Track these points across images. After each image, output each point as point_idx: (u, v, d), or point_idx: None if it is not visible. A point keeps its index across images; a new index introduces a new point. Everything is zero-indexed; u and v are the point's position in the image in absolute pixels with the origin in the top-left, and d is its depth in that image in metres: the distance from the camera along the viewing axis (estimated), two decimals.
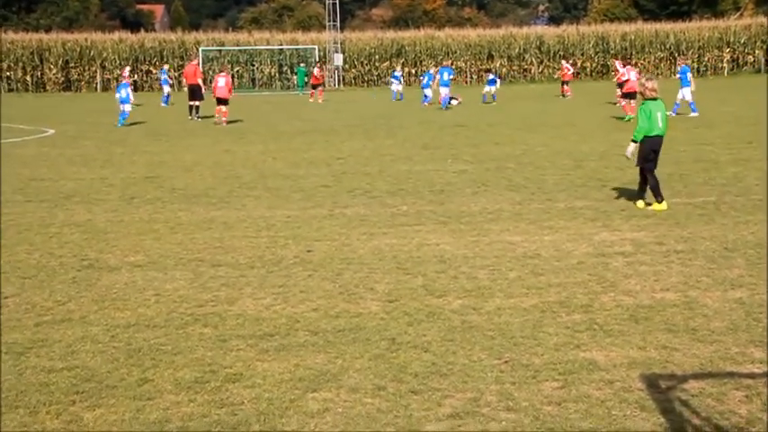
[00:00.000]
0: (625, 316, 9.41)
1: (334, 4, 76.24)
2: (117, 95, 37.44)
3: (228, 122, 36.41)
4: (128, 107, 36.86)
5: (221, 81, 36.82)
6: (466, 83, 75.37)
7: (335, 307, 9.93)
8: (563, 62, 57.25)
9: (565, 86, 51.78)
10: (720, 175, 19.28)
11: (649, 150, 15.67)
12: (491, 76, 49.72)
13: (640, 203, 15.71)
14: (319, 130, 33.63)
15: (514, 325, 9.15)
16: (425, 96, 47.82)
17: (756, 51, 78.71)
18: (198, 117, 39.20)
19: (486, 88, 48.17)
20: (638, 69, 37.02)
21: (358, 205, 16.67)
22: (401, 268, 11.70)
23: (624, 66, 39.09)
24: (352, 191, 18.37)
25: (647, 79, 16.43)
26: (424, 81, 49.47)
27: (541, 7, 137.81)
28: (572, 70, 50.76)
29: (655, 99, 15.70)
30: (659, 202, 15.46)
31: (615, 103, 40.01)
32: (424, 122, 35.89)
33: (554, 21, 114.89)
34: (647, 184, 15.71)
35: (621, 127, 31.61)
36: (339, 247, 13.09)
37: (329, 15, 77.03)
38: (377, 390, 7.41)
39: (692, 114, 34.76)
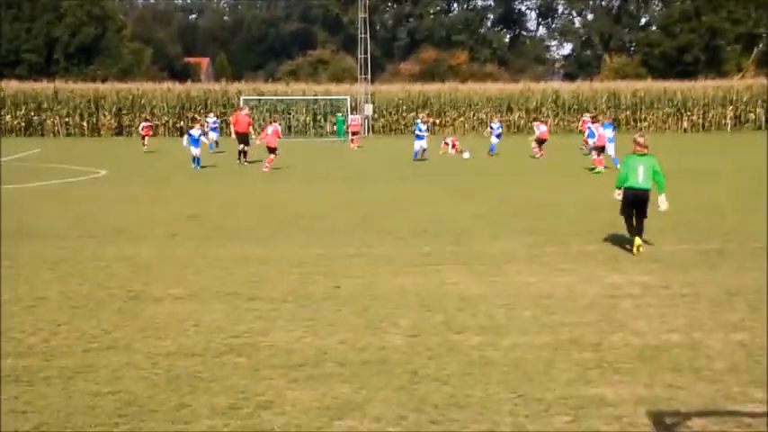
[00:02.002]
0: (633, 355, 9.34)
1: (365, 58, 76.69)
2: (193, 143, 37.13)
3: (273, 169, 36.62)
4: (197, 151, 36.83)
5: (270, 130, 36.81)
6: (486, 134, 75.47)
7: (361, 340, 9.91)
8: (585, 115, 52.79)
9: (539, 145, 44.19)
10: (723, 223, 19.17)
11: (627, 200, 15.69)
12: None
13: (637, 243, 15.44)
14: (351, 175, 33.75)
15: (529, 361, 9.09)
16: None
17: (758, 110, 78.55)
18: (246, 162, 39.13)
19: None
20: (599, 123, 36.35)
21: (384, 245, 16.65)
22: (423, 305, 11.66)
23: (593, 122, 38.01)
24: (379, 231, 18.36)
25: (638, 135, 16.34)
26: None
27: (558, 64, 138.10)
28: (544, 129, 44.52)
29: (643, 154, 15.60)
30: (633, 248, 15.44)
31: (586, 154, 40.21)
32: (447, 170, 35.87)
33: (569, 77, 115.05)
34: (639, 227, 15.67)
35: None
36: (366, 284, 13.06)
37: (361, 69, 77.45)
38: (399, 419, 7.37)
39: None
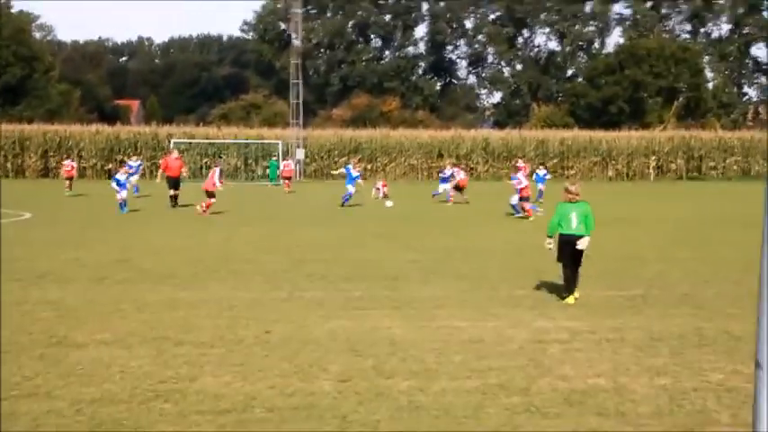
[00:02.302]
0: (560, 399, 9.36)
1: (297, 103, 76.91)
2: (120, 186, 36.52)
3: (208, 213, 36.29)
4: (124, 193, 36.27)
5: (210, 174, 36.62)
6: (418, 179, 75.98)
7: (291, 385, 9.80)
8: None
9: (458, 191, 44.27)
10: (647, 270, 19.42)
11: (561, 247, 15.50)
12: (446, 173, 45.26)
13: (570, 299, 15.33)
14: (283, 219, 33.62)
15: (458, 406, 9.07)
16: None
17: (678, 160, 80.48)
18: (177, 205, 38.55)
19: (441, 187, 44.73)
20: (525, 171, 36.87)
21: (315, 289, 16.56)
22: (353, 350, 11.59)
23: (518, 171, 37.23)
24: (311, 275, 18.28)
25: (569, 183, 16.30)
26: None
27: (487, 112, 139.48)
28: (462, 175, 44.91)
29: (575, 202, 15.42)
30: (565, 297, 15.41)
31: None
32: (378, 215, 35.90)
33: (499, 125, 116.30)
34: (575, 278, 15.54)
35: None
36: (296, 328, 12.95)
37: (293, 114, 77.58)
38: None
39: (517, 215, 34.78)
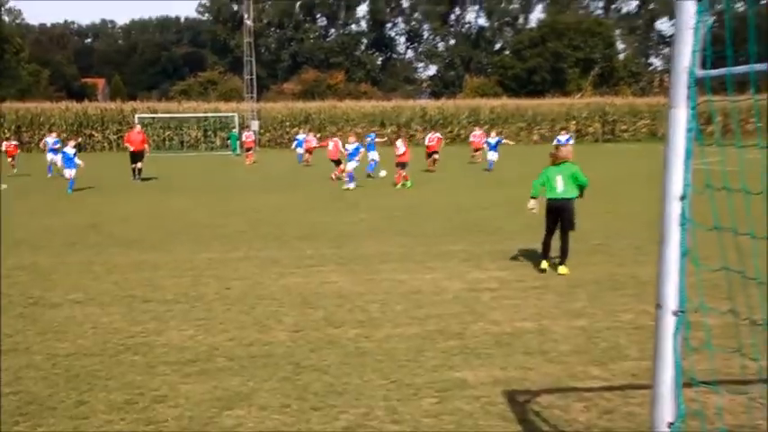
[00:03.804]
0: (491, 342, 9.49)
1: (251, 79, 76.27)
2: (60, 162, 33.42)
3: (148, 179, 35.71)
4: (72, 172, 32.02)
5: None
6: (363, 145, 75.81)
7: (249, 337, 9.82)
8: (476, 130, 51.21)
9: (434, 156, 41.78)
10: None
11: (549, 212, 13.93)
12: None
13: (544, 264, 13.95)
14: (238, 186, 33.39)
15: (400, 350, 9.16)
16: (299, 155, 48.25)
17: (595, 124, 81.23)
18: (140, 179, 37.02)
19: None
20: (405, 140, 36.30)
21: (271, 249, 16.54)
22: (305, 303, 11.63)
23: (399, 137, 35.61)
24: (265, 236, 18.25)
25: (555, 147, 15.12)
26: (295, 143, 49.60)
27: (425, 84, 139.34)
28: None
29: (560, 164, 13.91)
30: (540, 262, 14.01)
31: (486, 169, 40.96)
32: (327, 180, 35.79)
33: (435, 95, 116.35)
34: (565, 246, 13.87)
35: (498, 182, 32.11)
36: (253, 285, 12.95)
37: (247, 88, 76.98)
38: (283, 407, 7.34)
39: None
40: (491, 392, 7.66)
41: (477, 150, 47.21)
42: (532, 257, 15.10)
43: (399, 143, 31.91)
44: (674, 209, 4.36)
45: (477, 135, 47.92)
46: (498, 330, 10.01)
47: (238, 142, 61.80)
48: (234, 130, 67.71)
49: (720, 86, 4.26)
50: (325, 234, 18.53)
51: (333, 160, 35.65)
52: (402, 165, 30.96)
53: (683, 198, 4.34)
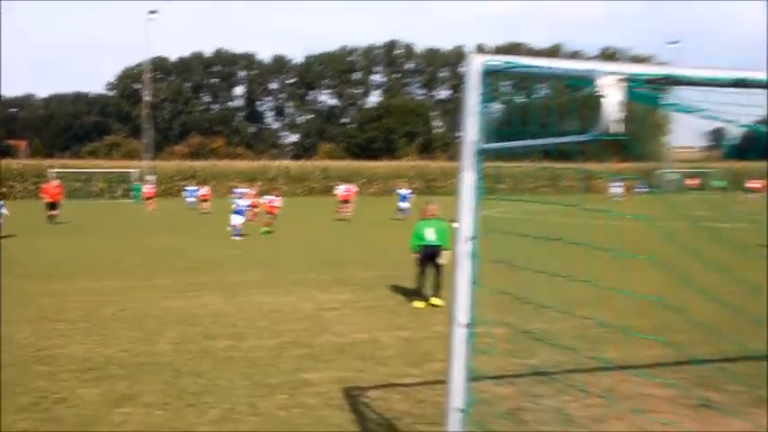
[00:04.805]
0: (333, 350, 9.50)
1: (147, 142, 74.37)
2: None
3: (61, 223, 34.02)
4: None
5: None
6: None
7: (138, 348, 9.49)
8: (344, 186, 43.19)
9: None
10: (398, 256, 19.81)
11: (423, 256, 12.97)
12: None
13: (419, 303, 12.82)
14: (137, 229, 32.23)
15: (261, 358, 9.05)
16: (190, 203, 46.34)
17: (419, 181, 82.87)
18: (55, 222, 34.58)
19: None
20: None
21: (159, 278, 16.01)
22: (185, 321, 11.32)
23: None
24: (157, 269, 17.65)
25: (427, 204, 13.85)
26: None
27: (288, 148, 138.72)
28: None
29: (431, 219, 13.15)
30: (414, 300, 12.99)
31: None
32: (216, 223, 34.98)
33: (296, 157, 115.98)
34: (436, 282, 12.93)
35: (347, 226, 32.19)
36: (143, 307, 12.50)
37: (145, 149, 74.97)
38: (164, 405, 7.12)
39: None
40: (331, 389, 7.67)
41: (344, 202, 44.44)
42: (371, 283, 15.21)
43: (272, 196, 30.82)
44: (465, 246, 4.53)
45: (343, 189, 44.55)
46: (339, 341, 10.04)
47: (140, 192, 59.74)
48: (137, 183, 65.57)
49: (512, 155, 4.48)
50: (206, 266, 18.11)
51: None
52: (271, 213, 29.79)
53: (472, 239, 4.52)
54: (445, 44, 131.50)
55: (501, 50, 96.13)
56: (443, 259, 12.55)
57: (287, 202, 43.29)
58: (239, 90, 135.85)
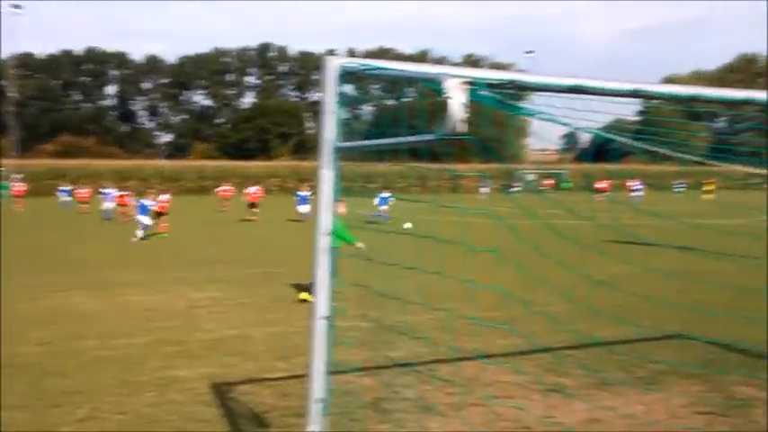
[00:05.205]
0: (204, 346, 9.28)
1: (15, 140, 70.36)
2: None
3: None
4: None
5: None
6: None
7: (2, 350, 8.90)
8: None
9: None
10: (274, 255, 19.65)
11: None
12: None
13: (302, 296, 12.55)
14: (7, 227, 30.24)
15: (130, 356, 8.72)
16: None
17: (293, 180, 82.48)
18: None
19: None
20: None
21: (28, 278, 15.05)
22: (54, 321, 10.76)
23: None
24: (26, 267, 16.58)
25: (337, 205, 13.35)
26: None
27: (162, 148, 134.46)
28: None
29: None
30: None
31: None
32: (87, 221, 33.35)
33: (170, 157, 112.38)
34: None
35: (221, 223, 31.46)
36: (11, 307, 11.73)
37: (12, 148, 70.82)
38: (26, 406, 6.73)
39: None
40: (200, 385, 7.49)
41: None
42: (246, 281, 14.97)
43: (163, 197, 28.00)
44: (324, 241, 4.53)
45: (224, 188, 42.56)
46: (210, 337, 9.82)
47: (9, 191, 56.13)
48: (5, 182, 61.58)
49: (380, 156, 4.51)
50: (83, 265, 17.26)
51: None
52: (160, 215, 27.11)
53: (330, 234, 4.53)
54: (318, 48, 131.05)
55: (371, 55, 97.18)
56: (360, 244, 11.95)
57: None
58: (111, 89, 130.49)
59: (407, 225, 26.56)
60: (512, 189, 68.72)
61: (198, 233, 27.09)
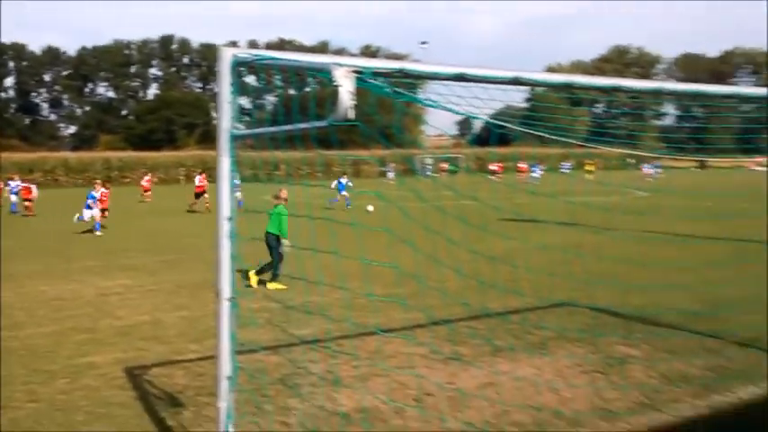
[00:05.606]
0: (115, 333, 9.07)
1: None
2: None
3: None
4: None
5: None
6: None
7: None
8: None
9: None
10: (180, 243, 19.24)
11: (265, 242, 12.10)
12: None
13: (249, 274, 12.10)
14: None
15: (40, 345, 8.43)
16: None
17: (199, 172, 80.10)
18: None
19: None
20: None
21: None
22: None
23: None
24: None
25: (279, 190, 12.54)
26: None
27: (67, 140, 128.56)
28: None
29: (274, 206, 12.27)
30: (270, 280, 12.15)
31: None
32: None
33: (75, 149, 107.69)
34: (267, 265, 12.13)
35: (138, 214, 30.42)
36: None
37: None
38: None
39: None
40: (114, 370, 7.34)
41: (146, 191, 40.93)
42: (152, 268, 14.64)
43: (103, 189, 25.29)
44: (225, 226, 4.54)
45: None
46: (122, 324, 9.60)
47: None
48: None
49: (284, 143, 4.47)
50: None
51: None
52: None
53: (230, 219, 4.54)
54: (220, 40, 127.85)
55: (271, 46, 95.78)
56: (284, 248, 12.01)
57: (65, 194, 40.22)
58: (9, 81, 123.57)
59: (370, 208, 26.28)
60: (421, 172, 69.39)
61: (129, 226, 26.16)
